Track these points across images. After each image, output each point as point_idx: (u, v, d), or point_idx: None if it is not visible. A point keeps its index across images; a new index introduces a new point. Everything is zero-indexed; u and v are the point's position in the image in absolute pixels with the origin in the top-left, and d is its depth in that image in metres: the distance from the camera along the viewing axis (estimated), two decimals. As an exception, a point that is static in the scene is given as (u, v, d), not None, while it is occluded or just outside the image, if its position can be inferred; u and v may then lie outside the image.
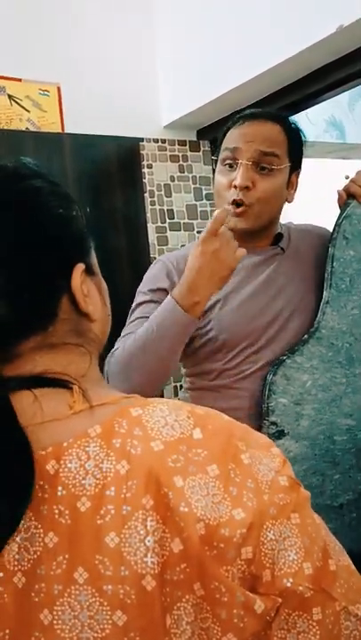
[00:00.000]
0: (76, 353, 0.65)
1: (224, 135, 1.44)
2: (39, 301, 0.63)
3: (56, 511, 0.56)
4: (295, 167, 1.44)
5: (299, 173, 1.46)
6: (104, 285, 0.73)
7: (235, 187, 1.36)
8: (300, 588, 0.56)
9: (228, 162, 1.39)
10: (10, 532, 0.55)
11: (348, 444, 1.39)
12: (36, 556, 0.55)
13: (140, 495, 0.55)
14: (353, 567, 0.62)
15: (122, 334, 1.39)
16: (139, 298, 1.45)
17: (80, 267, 0.66)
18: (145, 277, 1.49)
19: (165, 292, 1.38)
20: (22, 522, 0.56)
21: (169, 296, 1.26)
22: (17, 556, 0.55)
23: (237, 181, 1.35)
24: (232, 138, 1.40)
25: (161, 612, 0.54)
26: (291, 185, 1.44)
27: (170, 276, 1.43)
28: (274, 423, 1.31)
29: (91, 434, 0.58)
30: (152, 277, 1.46)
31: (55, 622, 0.54)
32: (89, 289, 0.67)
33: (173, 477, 0.56)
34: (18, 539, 0.56)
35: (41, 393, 0.61)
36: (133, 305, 1.45)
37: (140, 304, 1.43)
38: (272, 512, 0.57)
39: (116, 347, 1.35)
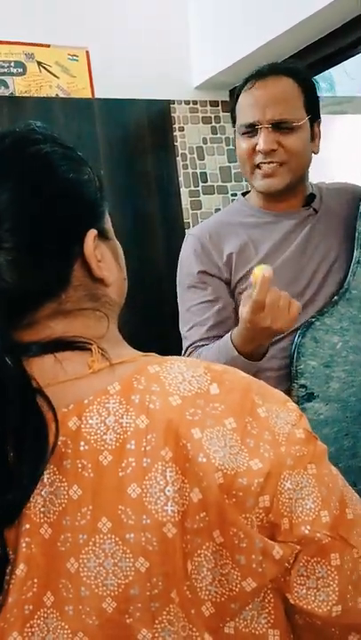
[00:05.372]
0: (92, 317, 0.66)
1: (236, 98, 1.42)
2: (51, 269, 0.63)
3: (79, 465, 0.58)
4: (315, 118, 1.41)
5: (320, 122, 1.44)
6: (119, 250, 0.73)
7: (260, 151, 1.34)
8: (318, 535, 0.58)
9: (244, 131, 1.37)
10: (31, 488, 0.57)
11: (381, 406, 1.37)
12: (61, 508, 0.58)
13: (160, 447, 0.57)
14: None
15: (185, 321, 1.42)
16: (187, 281, 1.44)
17: (92, 232, 0.66)
18: (183, 257, 1.48)
19: (209, 274, 1.40)
20: (47, 476, 0.58)
21: (229, 339, 1.26)
22: (42, 509, 0.58)
23: (260, 146, 1.33)
24: (245, 107, 1.37)
25: (182, 559, 0.56)
26: (315, 136, 1.42)
27: (208, 254, 1.42)
28: (303, 386, 1.30)
29: (110, 391, 0.60)
30: (192, 259, 1.44)
31: (81, 570, 0.57)
32: (103, 254, 0.68)
33: (191, 430, 0.57)
34: (43, 492, 0.58)
35: (61, 356, 0.63)
36: (183, 287, 1.45)
37: (191, 287, 1.43)
38: (289, 463, 0.58)
39: (186, 345, 1.39)
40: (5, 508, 0.57)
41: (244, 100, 1.39)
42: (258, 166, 1.37)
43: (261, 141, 1.33)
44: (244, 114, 1.38)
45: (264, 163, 1.35)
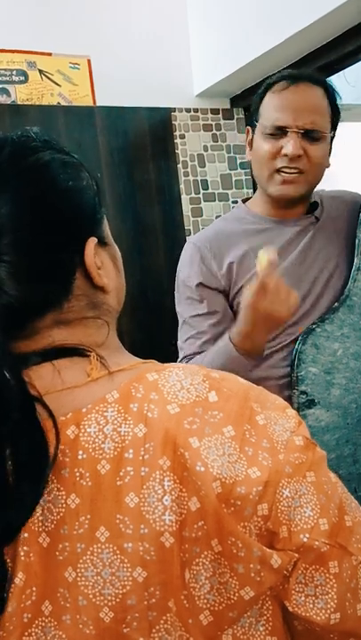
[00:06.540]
0: (92, 326, 0.66)
1: (262, 96, 1.38)
2: (53, 279, 0.63)
3: (77, 474, 0.58)
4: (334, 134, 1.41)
5: (333, 137, 1.43)
6: (118, 254, 0.72)
7: (285, 155, 1.32)
8: (317, 543, 0.58)
9: (271, 132, 1.34)
10: (32, 507, 0.57)
11: (382, 413, 1.37)
12: (59, 517, 0.58)
13: (158, 457, 0.57)
14: None
15: (181, 333, 1.41)
16: (185, 292, 1.44)
17: (92, 240, 0.65)
18: (182, 265, 1.47)
19: (206, 287, 1.39)
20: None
21: (228, 339, 1.25)
22: (41, 518, 0.58)
23: (289, 150, 1.31)
24: (275, 109, 1.34)
25: (180, 568, 0.56)
26: (330, 150, 1.42)
27: (207, 265, 1.41)
28: (304, 392, 1.30)
29: (109, 399, 0.60)
30: (191, 269, 1.44)
31: (79, 579, 0.57)
32: (102, 261, 0.67)
33: (189, 439, 0.57)
34: (41, 501, 0.58)
35: (60, 364, 0.62)
36: (181, 298, 1.45)
37: (188, 298, 1.43)
38: (288, 470, 0.58)
39: (181, 356, 1.39)
40: (5, 527, 0.56)
41: (273, 100, 1.35)
42: (278, 171, 1.35)
43: (291, 146, 1.30)
44: (272, 115, 1.33)
45: (287, 168, 1.33)
